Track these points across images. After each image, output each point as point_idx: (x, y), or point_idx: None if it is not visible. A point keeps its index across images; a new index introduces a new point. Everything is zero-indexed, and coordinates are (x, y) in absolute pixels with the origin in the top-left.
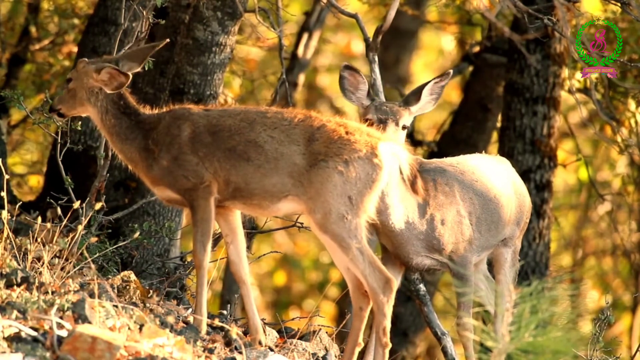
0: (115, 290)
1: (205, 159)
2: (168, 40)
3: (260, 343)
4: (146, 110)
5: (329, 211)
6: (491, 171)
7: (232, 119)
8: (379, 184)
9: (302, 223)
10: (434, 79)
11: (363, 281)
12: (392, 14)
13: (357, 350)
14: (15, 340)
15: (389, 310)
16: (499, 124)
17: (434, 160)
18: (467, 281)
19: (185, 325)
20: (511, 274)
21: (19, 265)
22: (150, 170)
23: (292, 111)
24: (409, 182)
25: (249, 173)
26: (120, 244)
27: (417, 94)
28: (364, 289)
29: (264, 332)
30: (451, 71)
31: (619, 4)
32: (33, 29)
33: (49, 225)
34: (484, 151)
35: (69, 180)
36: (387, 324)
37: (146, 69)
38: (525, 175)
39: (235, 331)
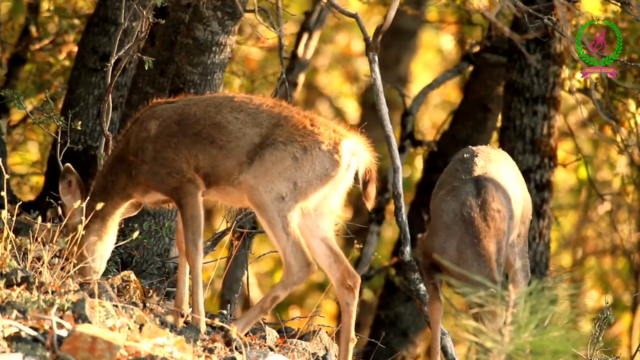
0: (115, 290)
1: (177, 149)
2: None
3: (182, 315)
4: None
5: (269, 191)
6: (513, 168)
7: (197, 106)
8: (333, 180)
9: None
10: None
11: (282, 256)
12: (392, 13)
13: (351, 345)
14: (15, 340)
15: (290, 289)
16: (499, 124)
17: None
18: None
19: (185, 325)
20: (522, 274)
21: (19, 265)
22: (138, 180)
23: (262, 98)
24: (361, 185)
25: (213, 155)
26: (120, 244)
27: None
28: (348, 283)
29: (194, 306)
30: None
31: (619, 4)
32: (33, 29)
33: (49, 225)
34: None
35: None
36: (281, 297)
37: (146, 68)
38: (525, 175)
39: (235, 331)
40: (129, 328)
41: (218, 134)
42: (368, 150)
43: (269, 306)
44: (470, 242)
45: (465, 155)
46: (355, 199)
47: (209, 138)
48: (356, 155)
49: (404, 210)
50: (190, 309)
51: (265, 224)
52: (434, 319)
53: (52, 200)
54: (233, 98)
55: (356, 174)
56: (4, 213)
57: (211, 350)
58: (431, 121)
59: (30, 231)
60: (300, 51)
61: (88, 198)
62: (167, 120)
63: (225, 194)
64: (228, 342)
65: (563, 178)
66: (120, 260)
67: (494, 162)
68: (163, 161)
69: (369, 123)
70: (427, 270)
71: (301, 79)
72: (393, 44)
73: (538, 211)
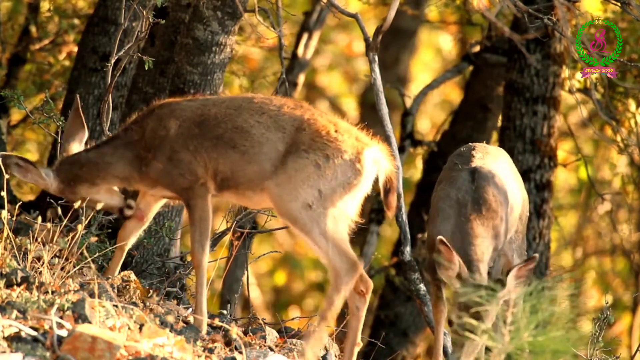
0: (115, 290)
1: (196, 152)
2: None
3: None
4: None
5: (294, 199)
6: (510, 164)
7: (217, 108)
8: (357, 189)
9: None
10: (517, 265)
11: (326, 262)
12: (392, 13)
13: (356, 349)
14: (15, 340)
15: (345, 291)
16: (499, 124)
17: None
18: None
19: (185, 325)
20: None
21: (19, 265)
22: (147, 175)
23: (282, 99)
24: (382, 194)
25: (234, 161)
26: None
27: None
28: (360, 288)
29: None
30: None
31: (619, 4)
32: (33, 29)
33: (49, 225)
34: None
35: None
36: (339, 302)
37: (146, 68)
38: (525, 175)
39: (235, 331)
40: (129, 328)
41: (240, 139)
42: (389, 160)
43: (331, 315)
44: (461, 222)
45: (462, 149)
46: None
47: (230, 142)
48: (377, 165)
49: (404, 210)
50: (191, 309)
51: (300, 234)
52: (437, 319)
53: (52, 200)
54: (253, 99)
55: (375, 182)
56: (4, 213)
57: (211, 350)
58: (431, 121)
59: (30, 231)
60: (300, 51)
61: (70, 161)
62: (187, 121)
63: (244, 197)
64: (228, 342)
65: (563, 178)
66: None
67: (491, 155)
68: (178, 162)
69: (369, 123)
70: (431, 270)
71: (301, 79)
72: (393, 44)
73: (538, 211)
